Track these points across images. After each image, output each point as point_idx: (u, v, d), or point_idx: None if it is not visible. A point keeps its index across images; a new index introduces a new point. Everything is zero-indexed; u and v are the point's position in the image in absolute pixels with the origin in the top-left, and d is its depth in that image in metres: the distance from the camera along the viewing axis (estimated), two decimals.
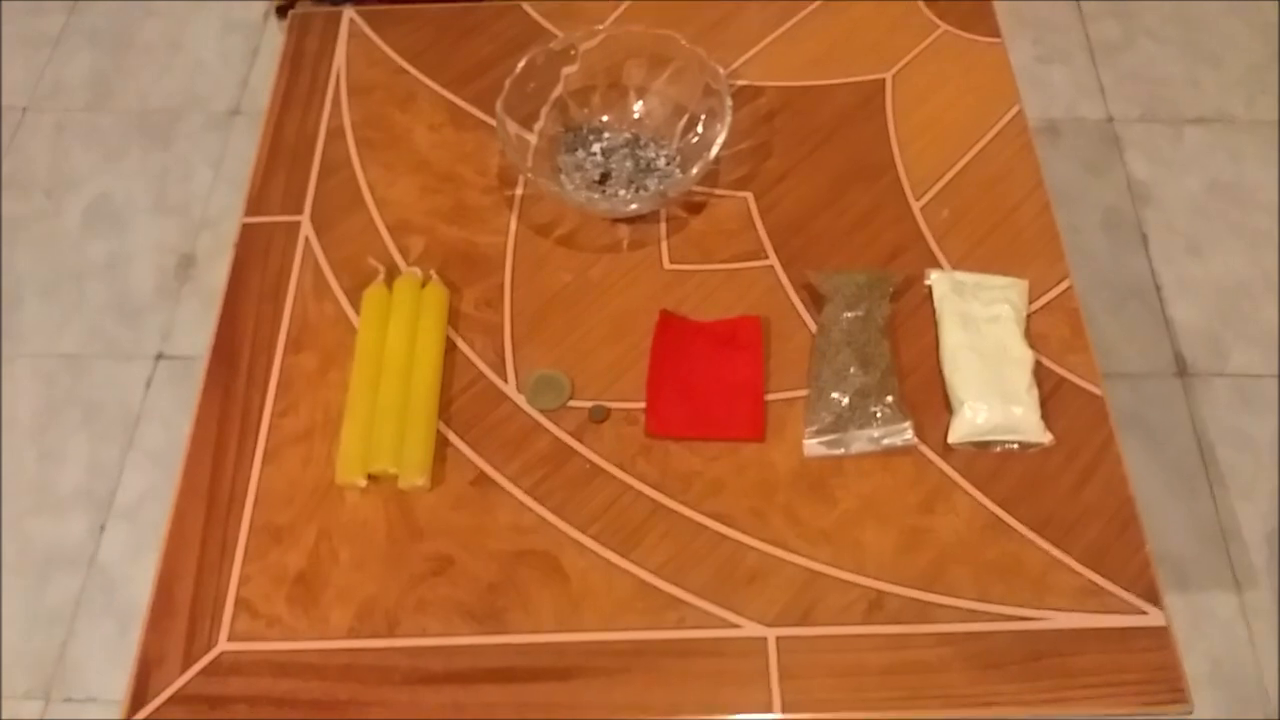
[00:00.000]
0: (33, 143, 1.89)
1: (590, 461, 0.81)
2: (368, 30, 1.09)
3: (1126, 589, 0.75)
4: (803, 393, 0.84)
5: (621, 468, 0.81)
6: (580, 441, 0.82)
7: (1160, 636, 0.73)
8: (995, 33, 1.07)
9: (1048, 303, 0.88)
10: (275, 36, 2.02)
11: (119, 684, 1.44)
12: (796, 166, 0.98)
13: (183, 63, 2.00)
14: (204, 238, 1.77)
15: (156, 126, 1.91)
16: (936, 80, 1.03)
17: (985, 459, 0.80)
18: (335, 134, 1.01)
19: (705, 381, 0.84)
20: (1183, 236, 1.74)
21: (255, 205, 0.96)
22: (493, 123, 0.99)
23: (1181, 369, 1.61)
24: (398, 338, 0.85)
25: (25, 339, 1.66)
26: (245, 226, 0.95)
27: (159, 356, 1.64)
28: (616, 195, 0.94)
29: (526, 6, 1.10)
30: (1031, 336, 0.85)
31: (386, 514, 0.79)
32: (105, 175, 1.85)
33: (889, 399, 0.81)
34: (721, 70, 0.95)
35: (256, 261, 0.92)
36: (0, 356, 1.64)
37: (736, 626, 0.74)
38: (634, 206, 0.91)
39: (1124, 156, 1.84)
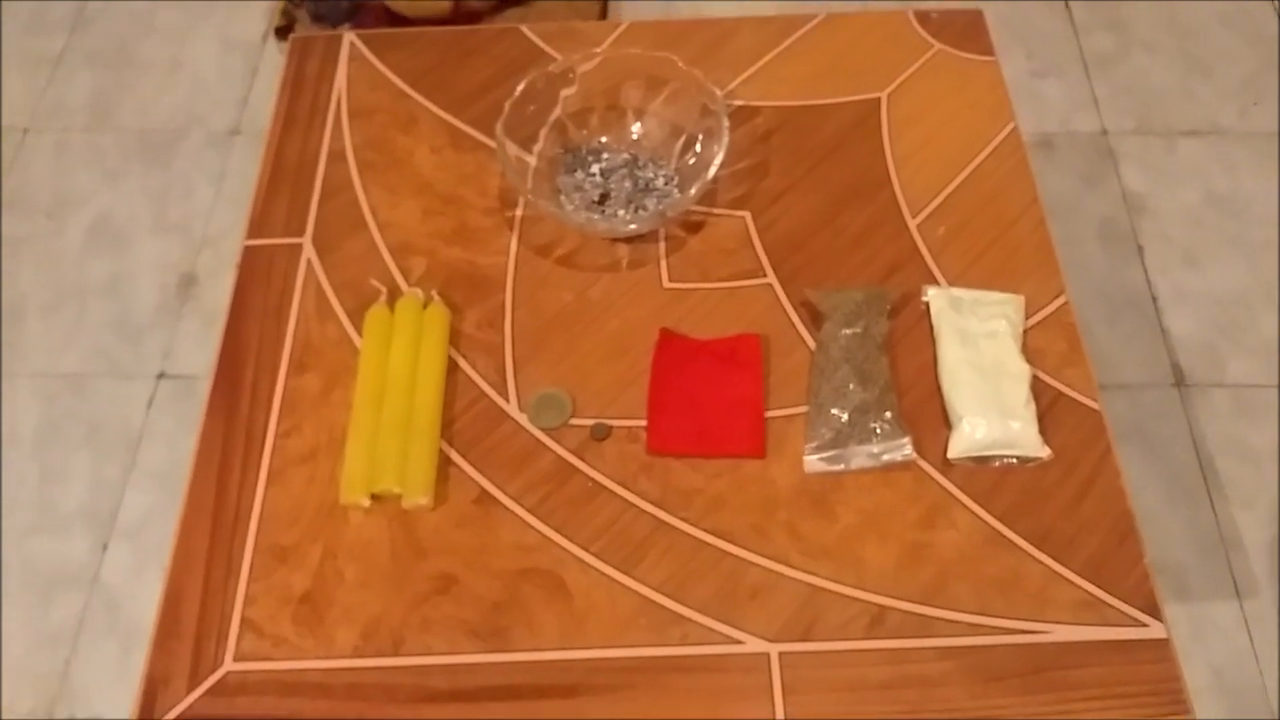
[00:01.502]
0: (34, 163, 1.90)
1: (592, 479, 0.82)
2: (368, 54, 1.10)
3: (1126, 601, 0.75)
4: (802, 409, 0.84)
5: (623, 485, 0.81)
6: (582, 460, 0.83)
7: (1161, 649, 0.73)
8: (989, 50, 1.08)
9: (1044, 318, 0.89)
10: (274, 56, 2.04)
11: (123, 703, 1.46)
12: (794, 185, 0.99)
13: (182, 82, 2.01)
14: (205, 256, 1.77)
15: (157, 146, 1.92)
16: (931, 98, 1.04)
17: (984, 474, 0.81)
18: (337, 156, 1.02)
19: (706, 399, 0.85)
20: (1179, 247, 1.74)
21: (257, 228, 0.97)
22: (493, 145, 1.00)
23: (1179, 379, 1.61)
24: (400, 358, 0.86)
25: (27, 358, 1.67)
26: (247, 249, 0.95)
27: (160, 376, 1.65)
28: (615, 215, 0.95)
29: (525, 29, 1.11)
30: (1028, 351, 0.86)
31: (390, 533, 0.80)
32: (106, 195, 1.86)
33: (888, 415, 0.82)
34: (718, 91, 0.96)
35: (259, 283, 0.93)
36: (1, 375, 1.65)
37: (739, 643, 0.74)
38: (633, 226, 0.92)
39: (1119, 169, 1.85)
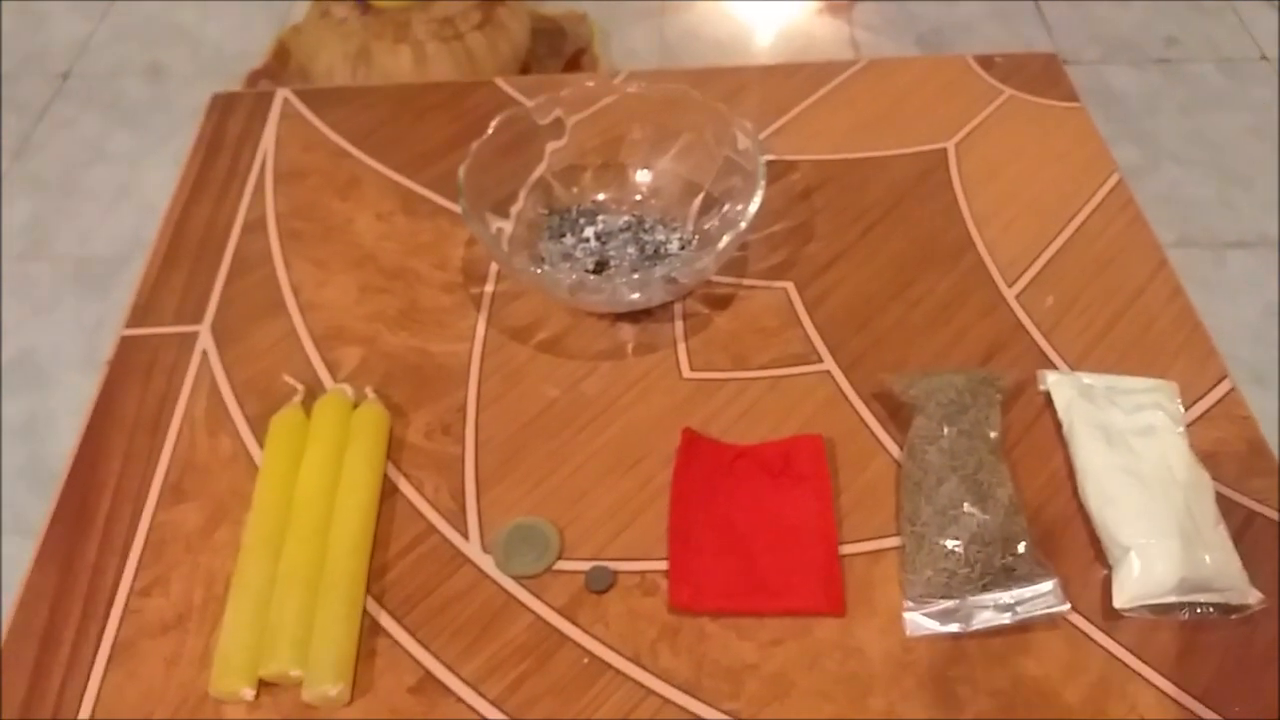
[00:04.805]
0: None
1: (589, 653, 0.58)
2: (305, 111, 0.90)
3: None
4: (893, 542, 0.61)
5: (637, 661, 0.57)
6: (574, 623, 0.59)
7: None
8: (1072, 96, 0.90)
9: (1207, 410, 0.67)
10: None
11: None
12: (848, 250, 0.78)
13: (129, 210, 1.83)
14: None
15: (96, 275, 1.73)
16: (1010, 149, 0.85)
17: (1169, 631, 0.57)
18: (255, 226, 0.81)
19: (752, 529, 0.62)
20: (1244, 366, 1.55)
21: (141, 314, 0.75)
22: (456, 210, 0.80)
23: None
24: (314, 478, 0.63)
25: None
26: (123, 341, 0.74)
27: None
28: (615, 284, 0.75)
29: (499, 81, 0.92)
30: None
31: None
32: (31, 328, 1.66)
33: (1021, 546, 0.58)
34: (750, 126, 0.76)
35: (134, 384, 0.71)
36: None
37: None
38: (636, 296, 0.71)
39: None
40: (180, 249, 0.81)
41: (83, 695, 0.57)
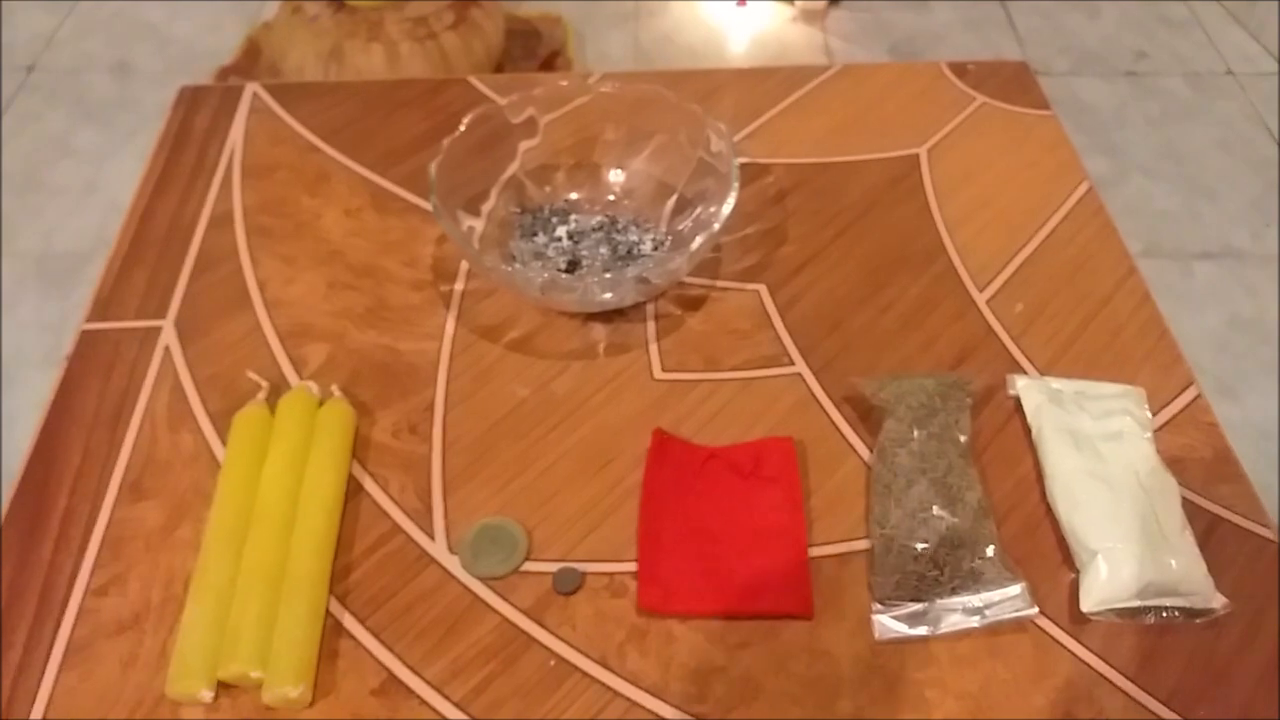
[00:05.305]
0: None
1: (556, 655, 0.57)
2: (274, 105, 0.89)
3: None
4: (863, 544, 0.61)
5: (604, 663, 0.57)
6: (541, 624, 0.58)
7: None
8: (1044, 104, 0.91)
9: (1174, 416, 0.68)
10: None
11: None
12: (820, 253, 0.78)
13: (94, 206, 1.80)
14: None
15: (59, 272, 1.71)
16: (982, 156, 0.86)
17: (1135, 635, 0.58)
18: (221, 221, 0.80)
19: (722, 531, 0.61)
20: (1210, 376, 1.56)
21: (103, 308, 0.74)
22: (427, 207, 0.79)
23: None
24: (277, 477, 0.61)
25: None
26: (85, 334, 0.72)
27: None
28: (587, 283, 0.75)
29: (473, 79, 0.92)
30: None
31: None
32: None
33: (989, 550, 0.59)
34: (724, 128, 0.75)
35: (95, 379, 0.70)
36: None
37: None
38: (608, 295, 0.70)
39: None
40: (144, 243, 0.80)
41: (35, 697, 0.56)
